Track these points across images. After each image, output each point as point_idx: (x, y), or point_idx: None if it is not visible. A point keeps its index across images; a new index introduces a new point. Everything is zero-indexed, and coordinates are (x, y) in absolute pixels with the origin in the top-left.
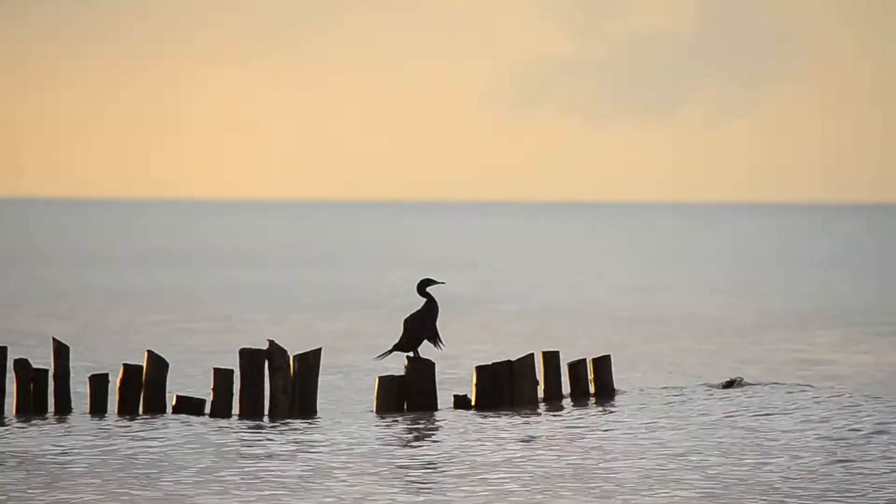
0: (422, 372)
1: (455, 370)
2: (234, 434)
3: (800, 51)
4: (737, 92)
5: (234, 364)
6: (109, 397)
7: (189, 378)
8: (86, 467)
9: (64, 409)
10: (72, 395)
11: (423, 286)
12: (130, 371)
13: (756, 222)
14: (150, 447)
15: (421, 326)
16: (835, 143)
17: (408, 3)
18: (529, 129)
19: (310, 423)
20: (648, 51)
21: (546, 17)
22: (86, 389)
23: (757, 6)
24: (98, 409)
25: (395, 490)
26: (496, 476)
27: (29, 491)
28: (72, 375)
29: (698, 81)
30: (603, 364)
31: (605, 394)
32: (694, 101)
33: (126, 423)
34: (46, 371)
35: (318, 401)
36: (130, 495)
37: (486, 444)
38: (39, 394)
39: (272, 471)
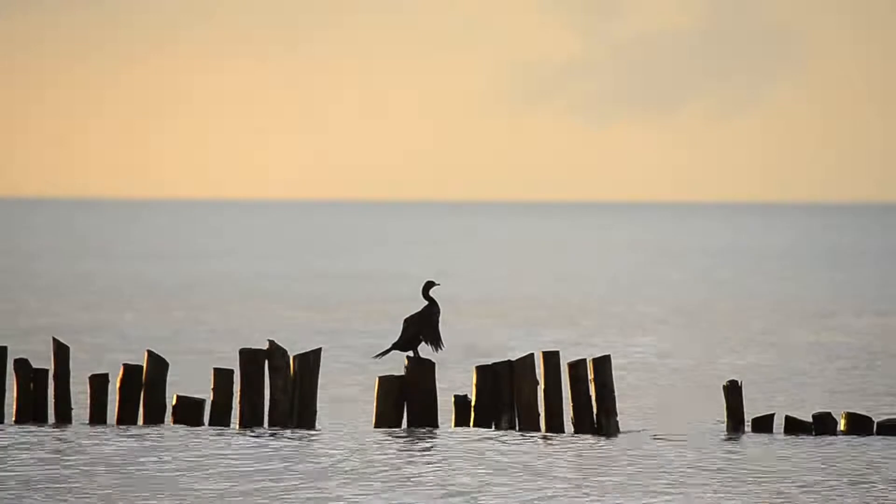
0: (422, 372)
1: (455, 369)
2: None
3: (800, 51)
4: (738, 92)
5: (234, 364)
6: (109, 397)
7: (189, 378)
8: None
9: (64, 408)
10: (72, 395)
11: (426, 289)
12: (130, 371)
13: (758, 222)
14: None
15: (418, 327)
16: (835, 143)
17: (409, 3)
18: (531, 129)
19: (308, 431)
20: (650, 51)
21: (548, 18)
22: (86, 389)
23: (758, 6)
24: (98, 409)
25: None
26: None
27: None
28: (72, 375)
29: (699, 81)
30: (603, 364)
31: (605, 395)
32: (695, 101)
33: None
34: (46, 371)
35: (318, 400)
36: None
37: (483, 466)
38: (39, 394)
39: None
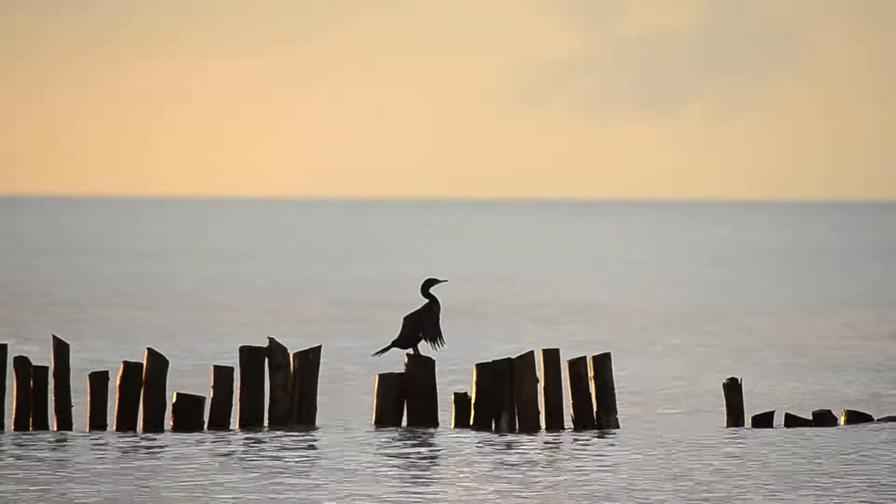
0: (422, 369)
1: (455, 367)
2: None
3: (800, 51)
4: (738, 92)
5: (234, 362)
6: (109, 395)
7: (189, 376)
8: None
9: (63, 406)
10: (72, 394)
11: (426, 286)
12: (131, 369)
13: (758, 220)
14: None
15: (417, 325)
16: (835, 143)
17: (410, 3)
18: (532, 128)
19: (308, 428)
20: (650, 50)
21: (549, 17)
22: (86, 387)
23: (758, 6)
24: (98, 407)
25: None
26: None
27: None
28: (72, 373)
29: (699, 81)
30: (603, 362)
31: (605, 393)
32: (695, 101)
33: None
34: (46, 369)
35: (318, 398)
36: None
37: (482, 467)
38: (39, 392)
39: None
